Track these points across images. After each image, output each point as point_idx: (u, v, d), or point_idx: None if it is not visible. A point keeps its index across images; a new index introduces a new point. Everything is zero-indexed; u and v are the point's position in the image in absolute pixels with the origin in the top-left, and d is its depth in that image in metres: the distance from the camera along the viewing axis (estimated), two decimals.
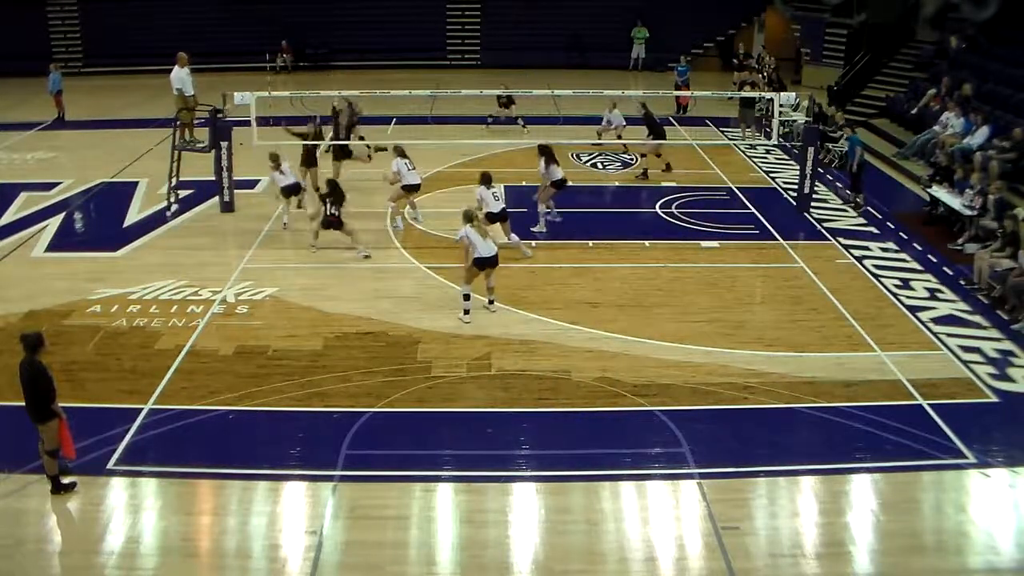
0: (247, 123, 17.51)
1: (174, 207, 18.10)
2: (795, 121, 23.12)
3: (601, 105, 22.68)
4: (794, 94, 21.34)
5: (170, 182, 18.30)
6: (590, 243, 16.40)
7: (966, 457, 10.02)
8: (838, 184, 20.12)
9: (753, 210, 18.28)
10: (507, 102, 24.06)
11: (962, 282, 14.67)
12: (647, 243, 16.41)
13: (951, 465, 9.91)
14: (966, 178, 16.94)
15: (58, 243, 16.50)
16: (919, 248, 16.30)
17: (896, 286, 14.61)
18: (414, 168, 16.76)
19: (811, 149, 17.92)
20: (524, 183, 17.28)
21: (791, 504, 9.45)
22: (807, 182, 18.10)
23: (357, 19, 34.53)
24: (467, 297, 13.20)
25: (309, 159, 18.19)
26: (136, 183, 19.85)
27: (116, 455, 9.89)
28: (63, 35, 34.21)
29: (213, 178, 17.94)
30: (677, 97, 26.90)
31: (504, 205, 15.22)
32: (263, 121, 18.52)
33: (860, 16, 29.06)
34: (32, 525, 8.95)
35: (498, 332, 12.89)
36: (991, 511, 9.27)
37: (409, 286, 14.55)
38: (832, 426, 10.65)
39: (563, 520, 9.03)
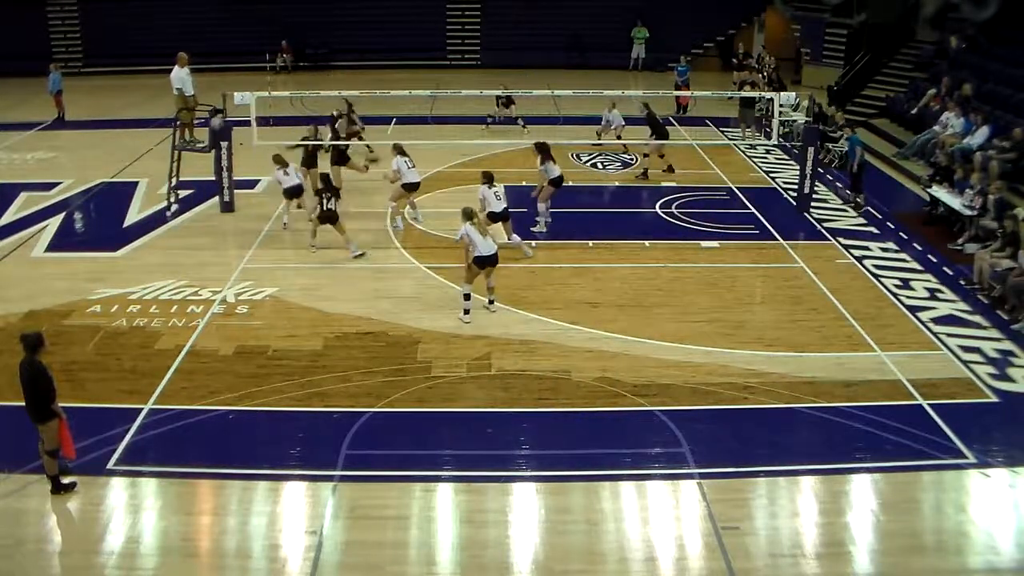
0: (247, 123, 17.51)
1: (174, 207, 18.10)
2: (795, 121, 23.12)
3: (601, 105, 22.68)
4: (794, 94, 21.33)
5: (170, 182, 18.30)
6: (590, 243, 16.41)
7: (966, 457, 10.02)
8: (838, 184, 20.12)
9: (753, 210, 18.28)
10: (507, 102, 24.06)
11: (962, 282, 14.67)
12: (647, 243, 16.42)
13: (951, 465, 9.92)
14: (966, 178, 16.94)
15: (58, 243, 16.51)
16: (919, 248, 16.30)
17: (896, 286, 14.61)
18: (414, 166, 16.77)
19: (811, 149, 17.92)
20: (524, 183, 17.26)
21: (791, 504, 9.46)
22: (807, 182, 18.10)
23: (357, 19, 34.53)
24: (467, 297, 13.20)
25: (309, 160, 18.18)
26: (136, 183, 19.85)
27: (116, 455, 9.89)
28: (63, 35, 34.21)
29: (213, 178, 17.94)
30: (677, 97, 26.89)
31: (506, 204, 15.22)
32: (263, 121, 18.53)
33: (860, 16, 29.06)
34: (32, 525, 8.95)
35: (498, 332, 12.89)
36: (991, 511, 9.27)
37: (409, 286, 14.56)
38: (832, 426, 10.65)
39: (563, 520, 9.03)
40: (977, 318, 13.41)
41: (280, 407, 10.96)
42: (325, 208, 15.26)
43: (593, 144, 22.70)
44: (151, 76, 29.17)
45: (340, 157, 18.37)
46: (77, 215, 18.26)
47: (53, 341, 10.87)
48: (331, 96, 21.31)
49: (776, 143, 21.60)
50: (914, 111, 23.03)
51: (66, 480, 9.29)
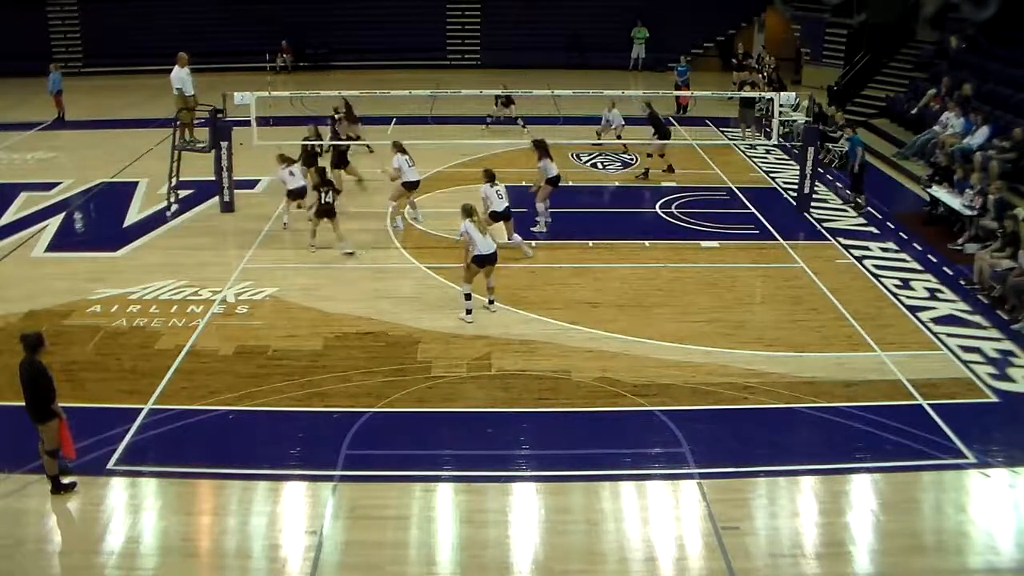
0: (247, 123, 17.51)
1: (174, 207, 18.10)
2: (795, 121, 23.12)
3: (601, 105, 22.68)
4: (794, 94, 21.35)
5: (170, 182, 18.30)
6: (590, 243, 16.40)
7: (966, 457, 10.02)
8: (838, 184, 20.12)
9: (753, 210, 18.28)
10: (506, 101, 24.07)
11: (962, 282, 14.67)
12: (647, 243, 16.42)
13: (951, 465, 9.92)
14: (966, 178, 16.94)
15: (58, 243, 16.51)
16: (919, 248, 16.30)
17: (896, 286, 14.61)
18: (414, 165, 16.76)
19: (811, 149, 17.92)
20: (524, 183, 17.27)
21: (791, 504, 9.46)
22: (807, 182, 18.10)
23: (357, 19, 34.53)
24: (468, 297, 13.20)
25: (309, 160, 18.18)
26: (136, 183, 19.85)
27: (116, 455, 9.89)
28: (63, 35, 34.22)
29: (213, 178, 17.94)
30: (677, 97, 26.90)
31: (508, 203, 15.20)
32: (263, 121, 18.53)
33: (860, 16, 29.06)
34: (32, 525, 8.95)
35: (498, 332, 12.89)
36: (991, 511, 9.27)
37: (409, 286, 14.55)
38: (832, 426, 10.65)
39: (563, 520, 9.03)
40: (977, 318, 13.41)
41: (280, 407, 10.96)
42: (323, 202, 15.27)
43: (593, 144, 22.70)
44: (151, 76, 29.18)
45: (340, 160, 18.37)
46: (77, 215, 18.26)
47: (53, 341, 10.87)
48: (331, 96, 21.33)
49: (776, 143, 21.61)
50: (914, 111, 23.03)
51: (66, 480, 9.29)
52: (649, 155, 20.59)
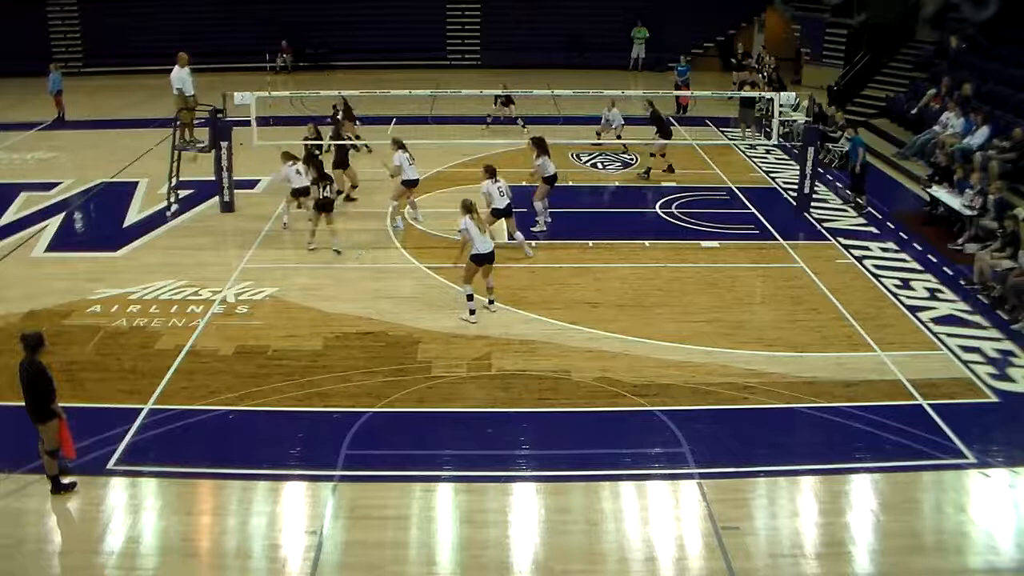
0: (247, 123, 17.51)
1: (174, 207, 18.10)
2: (795, 121, 23.11)
3: (601, 105, 22.67)
4: (794, 94, 21.34)
5: (170, 182, 18.31)
6: (590, 243, 16.40)
7: (966, 457, 10.02)
8: (838, 184, 20.13)
9: (753, 210, 18.28)
10: (506, 101, 24.07)
11: (962, 282, 14.68)
12: (647, 243, 16.41)
13: (951, 465, 9.92)
14: (966, 178, 16.94)
15: (58, 243, 16.50)
16: (919, 248, 16.30)
17: (896, 286, 14.61)
18: (414, 162, 16.75)
19: (811, 149, 17.91)
20: (525, 183, 17.26)
21: (791, 504, 9.46)
22: (807, 182, 18.09)
23: (357, 19, 34.54)
24: (470, 297, 13.19)
25: (309, 158, 18.14)
26: (136, 183, 19.85)
27: (116, 455, 9.89)
28: (63, 35, 34.21)
29: (213, 178, 17.94)
30: (677, 97, 26.91)
31: (509, 201, 15.18)
32: (263, 121, 18.53)
33: (860, 16, 29.08)
34: (32, 525, 8.95)
35: (498, 332, 12.89)
36: (991, 511, 9.27)
37: (409, 286, 14.56)
38: (832, 426, 10.65)
39: (563, 520, 9.03)
40: (977, 318, 13.41)
41: (280, 407, 10.96)
42: (321, 196, 15.28)
43: (593, 144, 22.70)
44: (151, 76, 29.19)
45: (342, 161, 18.36)
46: (77, 215, 18.26)
47: (53, 341, 10.87)
48: (331, 96, 21.37)
49: (776, 143, 21.60)
50: (914, 111, 23.03)
51: (66, 480, 9.29)
52: (652, 155, 20.58)
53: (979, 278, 14.41)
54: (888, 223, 17.69)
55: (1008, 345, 12.59)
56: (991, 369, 11.93)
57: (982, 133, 19.30)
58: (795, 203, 18.41)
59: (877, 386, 11.49)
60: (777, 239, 16.71)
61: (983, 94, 21.37)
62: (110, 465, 9.73)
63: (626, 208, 19.05)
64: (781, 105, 19.63)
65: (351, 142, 19.52)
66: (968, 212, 16.28)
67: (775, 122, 19.78)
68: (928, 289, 14.51)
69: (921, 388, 11.41)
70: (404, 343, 12.54)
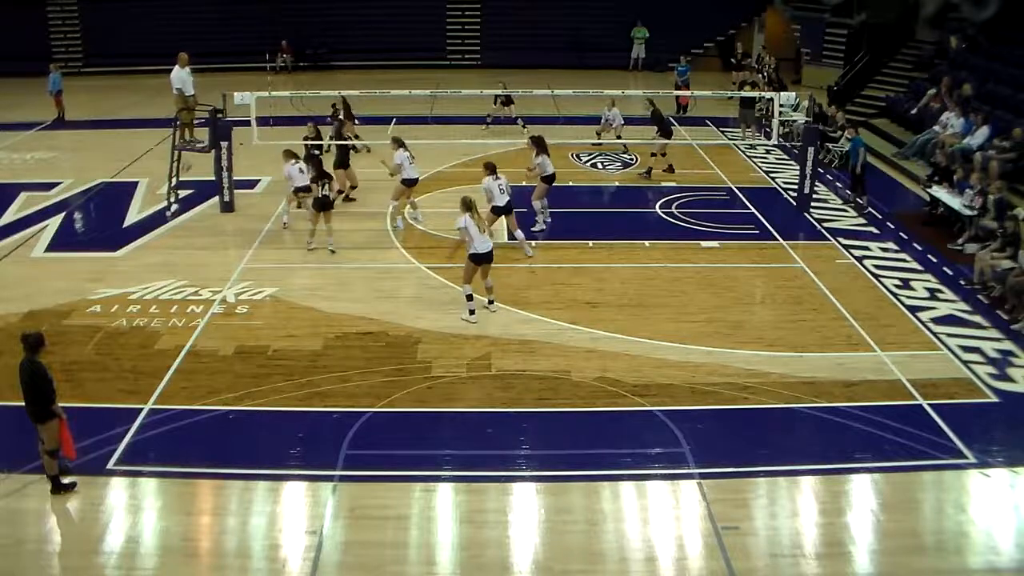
0: (247, 123, 17.51)
1: (174, 207, 18.10)
2: (795, 121, 23.11)
3: (601, 105, 22.67)
4: (794, 94, 21.36)
5: (170, 182, 18.31)
6: (590, 243, 16.40)
7: (966, 457, 10.02)
8: (838, 184, 20.13)
9: (753, 210, 18.28)
10: (506, 101, 24.06)
11: (962, 282, 14.67)
12: (647, 243, 16.41)
13: (951, 465, 9.92)
14: (966, 178, 16.94)
15: (58, 243, 16.50)
16: (919, 248, 16.30)
17: (896, 286, 14.61)
18: (414, 161, 16.74)
19: (811, 149, 17.93)
20: (525, 183, 17.26)
21: (791, 504, 9.46)
22: (807, 182, 18.11)
23: (357, 19, 34.53)
24: (470, 297, 13.19)
25: (308, 158, 18.15)
26: (136, 183, 19.85)
27: (116, 455, 9.89)
28: (63, 35, 34.21)
29: (213, 178, 17.93)
30: (677, 97, 26.90)
31: (510, 198, 15.17)
32: (263, 121, 18.52)
33: (860, 16, 29.08)
34: (32, 525, 8.95)
35: (498, 332, 12.89)
36: (991, 511, 9.27)
37: (409, 286, 14.56)
38: (832, 426, 10.65)
39: (563, 520, 9.03)
40: (977, 318, 13.41)
41: (280, 407, 10.96)
42: (320, 194, 15.28)
43: (593, 144, 22.69)
44: (151, 76, 29.18)
45: (343, 160, 18.35)
46: (77, 215, 18.26)
47: (53, 341, 10.87)
48: (331, 96, 21.36)
49: (776, 143, 21.60)
50: (914, 111, 23.03)
51: (66, 480, 9.29)
52: (653, 154, 20.57)
53: (979, 278, 14.41)
54: (888, 223, 17.69)
55: (1008, 345, 12.59)
56: (991, 369, 11.93)
57: (982, 133, 19.30)
58: (795, 203, 18.41)
59: (877, 386, 11.49)
60: (777, 239, 16.71)
61: (983, 94, 21.37)
62: (110, 465, 9.73)
63: (626, 208, 19.04)
64: (781, 105, 19.64)
65: (352, 142, 19.52)
66: (968, 212, 16.28)
67: (775, 122, 19.79)
68: (928, 289, 14.51)
69: (921, 388, 11.41)
70: (404, 343, 12.54)
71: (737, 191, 19.49)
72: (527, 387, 11.44)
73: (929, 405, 11.03)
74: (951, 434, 10.41)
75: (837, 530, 8.98)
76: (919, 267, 15.43)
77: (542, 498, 9.44)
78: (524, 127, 23.53)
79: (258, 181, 19.63)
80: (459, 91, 23.17)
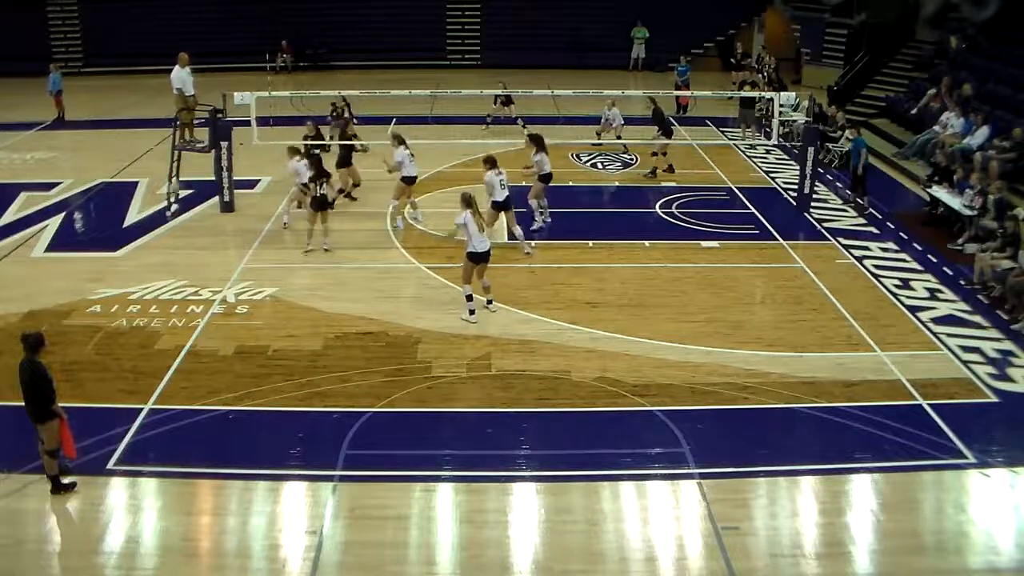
0: (247, 123, 17.51)
1: (174, 207, 18.10)
2: (795, 121, 23.12)
3: (601, 105, 22.67)
4: (794, 94, 21.37)
5: (170, 182, 18.30)
6: (590, 243, 16.40)
7: (966, 457, 10.02)
8: (838, 184, 20.13)
9: (753, 210, 18.28)
10: (506, 100, 24.06)
11: (962, 282, 14.67)
12: (647, 243, 16.41)
13: (951, 465, 9.92)
14: (966, 178, 16.94)
15: (58, 243, 16.50)
16: (919, 248, 16.30)
17: (896, 286, 14.61)
18: (414, 159, 16.74)
19: (811, 149, 17.93)
20: (524, 183, 17.25)
21: (791, 504, 9.45)
22: (807, 182, 18.11)
23: (357, 19, 34.54)
24: (470, 297, 13.19)
25: (307, 156, 18.13)
26: (136, 183, 19.85)
27: (116, 455, 9.89)
28: (63, 35, 34.21)
29: (213, 178, 17.93)
30: (677, 97, 26.90)
31: (509, 193, 15.18)
32: (263, 121, 18.52)
33: (860, 16, 29.08)
34: (32, 525, 8.95)
35: (498, 332, 12.89)
36: (991, 511, 9.27)
37: (409, 286, 14.56)
38: (832, 426, 10.65)
39: (563, 520, 9.03)
40: (977, 318, 13.41)
41: (280, 407, 10.95)
42: (320, 194, 15.27)
43: (593, 144, 22.69)
44: (151, 76, 29.19)
45: (345, 159, 18.35)
46: (77, 215, 18.26)
47: (53, 341, 10.86)
48: (331, 96, 21.36)
49: (776, 143, 21.60)
50: (914, 111, 23.03)
51: (66, 480, 9.29)
52: (654, 153, 20.58)
53: (979, 278, 14.41)
54: (888, 223, 17.69)
55: (1008, 345, 12.59)
56: (991, 369, 11.93)
57: (982, 133, 19.30)
58: (795, 203, 18.42)
59: (877, 386, 11.49)
60: (777, 239, 16.71)
61: (983, 94, 21.37)
62: (110, 465, 9.73)
63: (626, 208, 19.05)
64: (781, 105, 19.64)
65: (353, 142, 19.51)
66: (968, 212, 16.28)
67: (775, 122, 19.79)
68: (928, 289, 14.51)
69: (921, 388, 11.41)
70: (404, 343, 12.54)
71: (737, 191, 19.49)
72: (527, 387, 11.44)
73: (929, 405, 11.03)
74: (951, 434, 10.41)
75: (837, 530, 8.98)
76: (919, 267, 15.43)
77: (542, 498, 9.44)
78: (524, 127, 23.53)
79: (258, 181, 19.63)
80: (459, 91, 23.18)
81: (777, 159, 22.38)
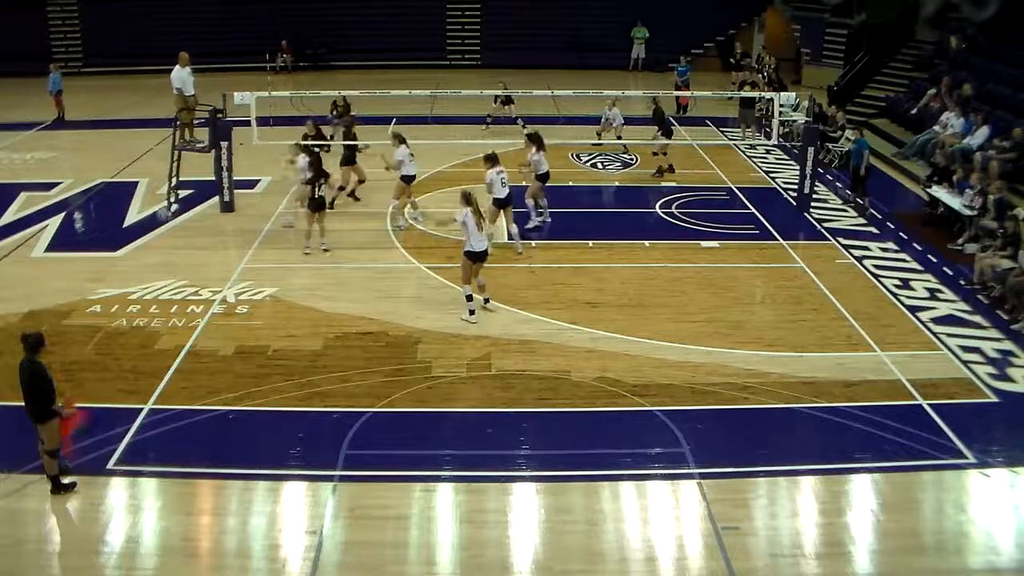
0: (247, 123, 17.51)
1: (174, 207, 18.10)
2: (795, 121, 23.11)
3: (601, 105, 22.67)
4: (794, 94, 21.38)
5: (170, 182, 18.31)
6: (590, 243, 16.40)
7: (966, 457, 10.02)
8: (838, 184, 20.13)
9: (753, 210, 18.28)
10: (505, 100, 24.06)
11: (962, 282, 14.68)
12: (647, 243, 16.41)
13: (951, 465, 9.92)
14: (966, 178, 16.94)
15: (58, 243, 16.50)
16: (919, 248, 16.30)
17: (896, 286, 14.61)
18: (414, 158, 16.74)
19: (811, 149, 17.93)
20: (525, 183, 17.25)
21: (791, 504, 9.46)
22: (807, 182, 18.11)
23: (357, 19, 34.53)
24: (469, 297, 13.19)
25: (309, 156, 18.14)
26: (136, 183, 19.85)
27: (116, 455, 9.89)
28: (63, 35, 34.19)
29: (213, 178, 17.93)
30: (677, 97, 26.90)
31: (509, 190, 15.18)
32: (263, 121, 18.52)
33: (860, 16, 29.08)
34: (32, 525, 8.95)
35: (498, 332, 12.89)
36: (991, 511, 9.27)
37: (409, 286, 14.56)
38: (832, 426, 10.65)
39: (563, 520, 9.03)
40: (977, 318, 13.41)
41: (280, 407, 10.96)
42: (317, 195, 15.27)
43: (593, 144, 22.69)
44: (151, 76, 29.19)
45: (350, 157, 18.35)
46: (77, 215, 18.26)
47: (53, 341, 10.86)
48: (331, 96, 21.36)
49: (776, 143, 21.60)
50: (914, 111, 23.03)
51: (66, 480, 9.29)
52: (654, 153, 20.56)
53: (979, 278, 14.41)
54: (888, 223, 17.69)
55: (1008, 345, 12.59)
56: (991, 369, 11.93)
57: (982, 133, 19.30)
58: (795, 203, 18.42)
59: (877, 386, 11.49)
60: (777, 239, 16.71)
61: (983, 94, 21.37)
62: (110, 465, 9.73)
63: (626, 208, 19.05)
64: (781, 105, 19.64)
65: (354, 142, 19.51)
66: (968, 212, 16.28)
67: (775, 122, 19.79)
68: (928, 289, 14.51)
69: (921, 388, 11.41)
70: (404, 343, 12.54)
71: (737, 191, 19.49)
72: (527, 387, 11.44)
73: (929, 405, 11.03)
74: (951, 434, 10.41)
75: (837, 530, 8.98)
76: (919, 267, 15.43)
77: (542, 498, 9.44)
78: (524, 127, 23.51)
79: (258, 181, 19.62)
80: (459, 91, 23.17)
81: (777, 159, 22.38)
